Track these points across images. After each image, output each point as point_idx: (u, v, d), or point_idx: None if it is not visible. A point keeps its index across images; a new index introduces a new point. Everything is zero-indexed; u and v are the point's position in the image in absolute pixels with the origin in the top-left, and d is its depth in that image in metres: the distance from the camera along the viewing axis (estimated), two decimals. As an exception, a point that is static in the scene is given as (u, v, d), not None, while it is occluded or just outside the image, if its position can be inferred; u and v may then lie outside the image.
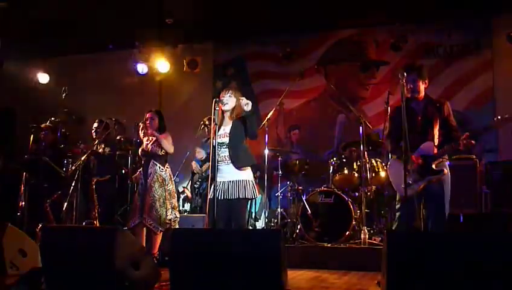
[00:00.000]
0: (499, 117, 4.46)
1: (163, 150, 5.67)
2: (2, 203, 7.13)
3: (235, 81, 9.31)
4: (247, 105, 4.36)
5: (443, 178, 4.37)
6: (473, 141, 4.24)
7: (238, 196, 4.44)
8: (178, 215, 5.69)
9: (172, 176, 5.82)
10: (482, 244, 2.97)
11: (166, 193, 5.60)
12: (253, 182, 4.60)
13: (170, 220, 5.55)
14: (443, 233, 3.72)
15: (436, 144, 4.41)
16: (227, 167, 4.53)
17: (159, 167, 5.65)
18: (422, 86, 4.50)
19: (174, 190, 5.81)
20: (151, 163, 5.67)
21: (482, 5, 7.62)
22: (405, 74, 4.33)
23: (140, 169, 5.81)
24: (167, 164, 5.77)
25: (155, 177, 5.61)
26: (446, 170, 4.38)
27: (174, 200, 5.73)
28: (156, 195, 5.54)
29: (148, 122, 5.72)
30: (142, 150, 5.77)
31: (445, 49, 8.32)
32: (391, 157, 5.00)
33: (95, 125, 7.07)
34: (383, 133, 5.55)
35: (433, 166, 4.34)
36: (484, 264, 2.88)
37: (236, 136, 4.55)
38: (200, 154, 7.32)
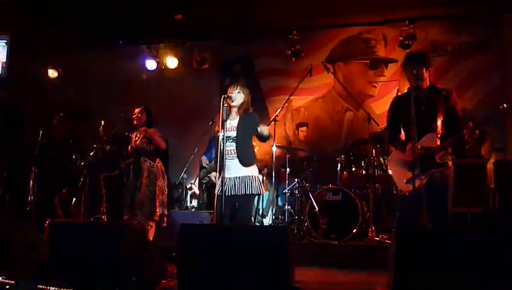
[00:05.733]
0: (504, 105, 4.16)
1: (152, 146, 5.65)
2: (11, 198, 7.18)
3: (243, 78, 9.32)
4: (266, 132, 4.49)
5: (447, 172, 4.10)
6: (476, 131, 3.95)
7: (245, 191, 4.44)
8: (166, 213, 5.68)
9: (164, 172, 5.78)
10: (490, 243, 2.96)
11: (157, 189, 5.59)
12: (259, 178, 4.59)
13: (159, 216, 5.55)
14: (452, 232, 3.67)
15: (439, 135, 4.14)
16: (232, 161, 4.52)
17: (150, 163, 5.64)
18: (426, 74, 4.25)
19: (165, 187, 5.76)
20: (141, 159, 5.66)
21: (492, 2, 7.57)
22: (408, 60, 4.25)
23: (132, 159, 5.80)
24: (158, 159, 5.73)
25: (146, 173, 5.60)
26: (450, 163, 4.13)
27: (164, 196, 5.69)
28: (146, 191, 5.54)
29: (135, 117, 5.73)
30: (131, 147, 5.76)
31: (454, 47, 8.27)
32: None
33: (103, 123, 7.10)
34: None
35: (437, 159, 4.08)
36: (492, 263, 2.88)
37: (243, 130, 4.56)
38: (203, 162, 7.42)
